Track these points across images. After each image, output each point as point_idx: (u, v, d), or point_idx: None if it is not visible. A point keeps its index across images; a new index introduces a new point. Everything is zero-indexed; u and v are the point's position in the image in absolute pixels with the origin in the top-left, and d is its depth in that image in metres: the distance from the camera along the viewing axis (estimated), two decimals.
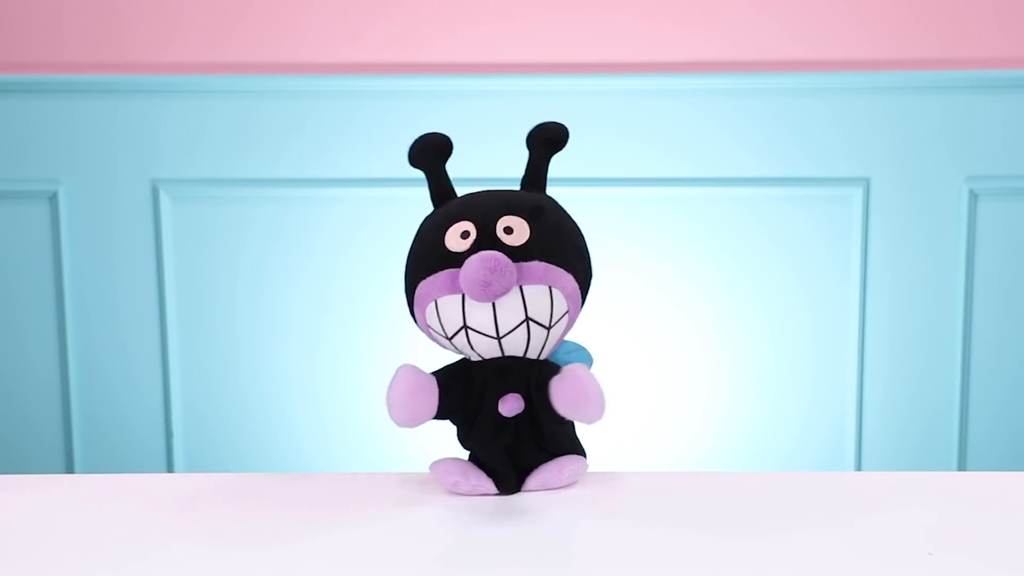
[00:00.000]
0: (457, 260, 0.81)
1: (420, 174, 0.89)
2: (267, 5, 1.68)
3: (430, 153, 0.87)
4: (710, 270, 1.69)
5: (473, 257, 0.79)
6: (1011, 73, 1.64)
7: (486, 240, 0.81)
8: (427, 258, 0.83)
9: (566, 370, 0.83)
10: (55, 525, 0.82)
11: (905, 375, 1.71)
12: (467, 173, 1.70)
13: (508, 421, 0.83)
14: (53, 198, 1.70)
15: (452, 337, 0.83)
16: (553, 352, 0.85)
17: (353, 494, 0.87)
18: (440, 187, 0.87)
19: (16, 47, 1.69)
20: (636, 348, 1.72)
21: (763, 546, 0.77)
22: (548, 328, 0.82)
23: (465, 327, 0.81)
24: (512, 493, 0.86)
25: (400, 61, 1.68)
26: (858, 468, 1.73)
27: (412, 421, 0.84)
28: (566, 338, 0.86)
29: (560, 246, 0.83)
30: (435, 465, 0.86)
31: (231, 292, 1.72)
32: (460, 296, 0.81)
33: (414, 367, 0.84)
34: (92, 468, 1.75)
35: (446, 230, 0.82)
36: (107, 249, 1.71)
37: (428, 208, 1.84)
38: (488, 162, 1.66)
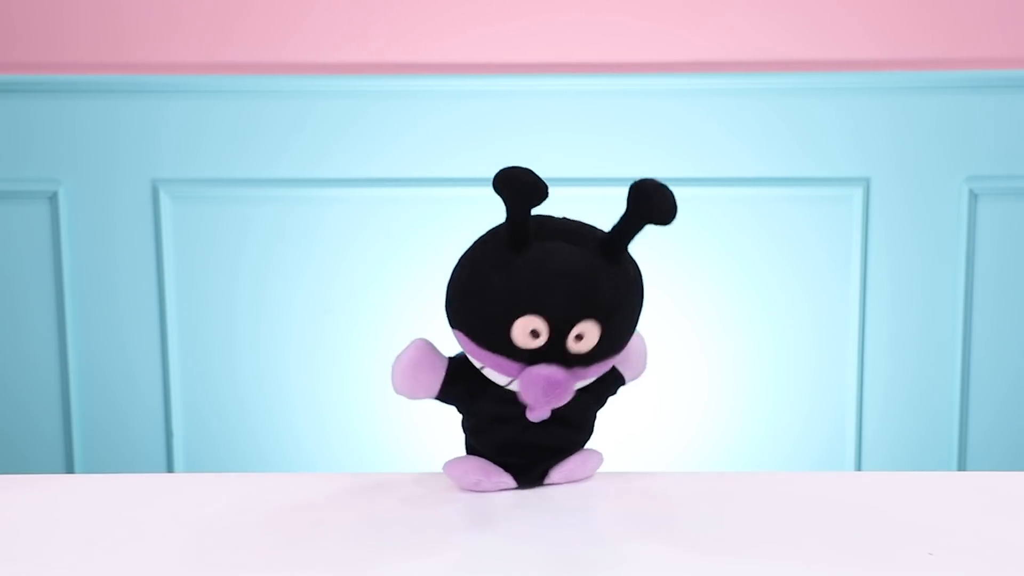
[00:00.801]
0: (520, 355, 0.79)
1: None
2: (267, 5, 1.68)
3: (528, 198, 0.77)
4: (710, 270, 1.70)
5: (537, 378, 0.78)
6: (1011, 73, 1.64)
7: (554, 349, 0.79)
8: (490, 333, 0.79)
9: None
10: (55, 525, 0.82)
11: (905, 375, 1.71)
12: (467, 173, 1.70)
13: (534, 425, 0.84)
14: (53, 198, 1.70)
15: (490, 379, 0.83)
16: None
17: (354, 494, 0.87)
18: (520, 231, 0.79)
19: (16, 47, 1.69)
20: None
21: (763, 546, 0.77)
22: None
23: (507, 386, 0.82)
24: (533, 485, 0.86)
25: (400, 61, 1.68)
26: (858, 468, 1.73)
27: (410, 392, 0.84)
28: None
29: (623, 341, 0.82)
30: (451, 465, 0.86)
31: (231, 292, 1.72)
32: (512, 380, 0.80)
33: (428, 343, 0.84)
34: (92, 468, 1.75)
35: (515, 319, 0.78)
36: (107, 249, 1.71)
37: (428, 209, 1.84)
38: (488, 162, 1.66)
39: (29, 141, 1.68)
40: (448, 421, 0.89)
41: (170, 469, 1.75)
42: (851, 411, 1.72)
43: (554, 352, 0.79)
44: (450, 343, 0.84)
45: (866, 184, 1.67)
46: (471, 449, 0.88)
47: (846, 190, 1.67)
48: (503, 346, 0.79)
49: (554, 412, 0.84)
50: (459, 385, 0.84)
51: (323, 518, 0.82)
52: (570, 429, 0.86)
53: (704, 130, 1.66)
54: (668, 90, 1.66)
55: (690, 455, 1.73)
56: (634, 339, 0.87)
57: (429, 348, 0.84)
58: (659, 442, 1.73)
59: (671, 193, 0.79)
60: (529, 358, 0.79)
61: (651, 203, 0.80)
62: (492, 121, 1.65)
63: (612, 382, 0.87)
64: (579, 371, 0.80)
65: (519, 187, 0.77)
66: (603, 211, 1.83)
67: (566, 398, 0.80)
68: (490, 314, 0.79)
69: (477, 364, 0.82)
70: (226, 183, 1.69)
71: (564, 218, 0.84)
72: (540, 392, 0.79)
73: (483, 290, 0.79)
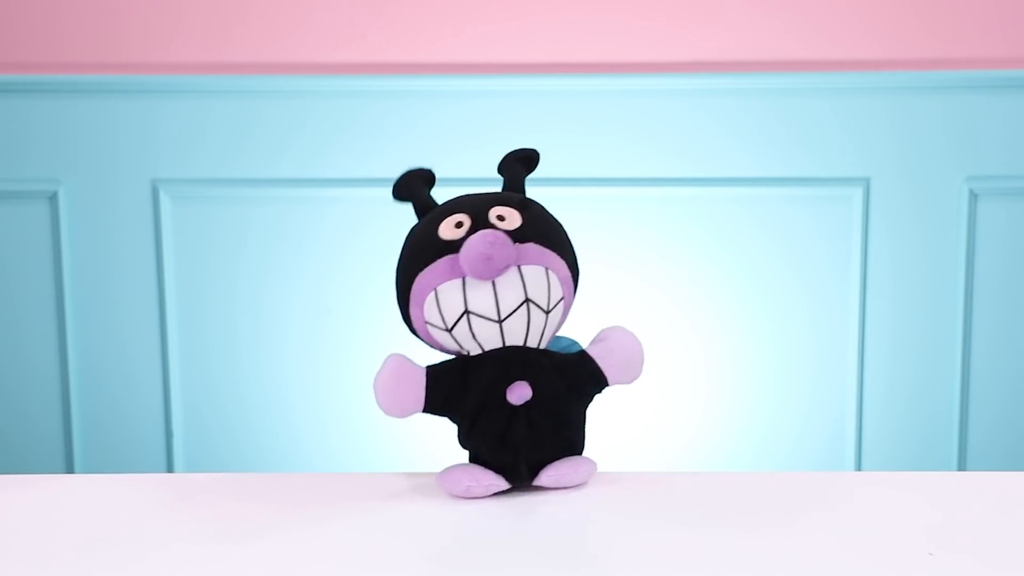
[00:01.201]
0: (454, 247, 0.82)
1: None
2: (267, 5, 1.68)
3: (418, 183, 0.88)
4: (710, 270, 1.69)
5: (473, 235, 0.81)
6: (1011, 73, 1.64)
7: (481, 225, 0.82)
8: (424, 252, 0.84)
9: (606, 333, 0.87)
10: (55, 525, 0.82)
11: (905, 375, 1.71)
12: (467, 173, 1.70)
13: (518, 410, 0.84)
14: (53, 198, 1.70)
15: (453, 327, 0.83)
16: (549, 345, 0.86)
17: (354, 494, 0.87)
18: (426, 206, 0.88)
19: (16, 47, 1.69)
20: None
21: (763, 546, 0.77)
22: (547, 313, 0.83)
23: (467, 312, 0.82)
24: (523, 483, 0.86)
25: (400, 61, 1.68)
26: (858, 468, 1.73)
27: (397, 410, 0.85)
28: (560, 333, 0.87)
29: (551, 233, 0.85)
30: (441, 476, 0.86)
31: (231, 292, 1.72)
32: (461, 280, 0.82)
33: (401, 356, 0.86)
34: (92, 468, 1.75)
35: (439, 223, 0.83)
36: (107, 249, 1.71)
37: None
38: (488, 162, 1.66)
39: (29, 141, 1.68)
40: (448, 421, 0.89)
41: (170, 469, 1.75)
42: (851, 411, 1.72)
43: (481, 227, 0.82)
44: (426, 356, 0.85)
45: (866, 184, 1.67)
46: (473, 459, 0.87)
47: (846, 190, 1.67)
48: (438, 249, 0.82)
49: (535, 402, 0.84)
50: (443, 385, 0.85)
51: (323, 518, 0.82)
52: (554, 422, 0.85)
53: (704, 130, 1.66)
54: (668, 90, 1.65)
55: (690, 455, 1.73)
56: (619, 340, 0.88)
57: (403, 360, 0.85)
58: (659, 442, 1.73)
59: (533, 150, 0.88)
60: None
61: (514, 152, 0.89)
62: (492, 121, 1.65)
63: (590, 377, 0.87)
64: (517, 246, 0.82)
65: (410, 177, 0.89)
66: (603, 211, 1.84)
67: (510, 250, 0.81)
68: (419, 240, 0.85)
69: (432, 308, 0.83)
70: (226, 183, 1.69)
71: None
72: (480, 242, 0.80)
73: (410, 238, 0.86)
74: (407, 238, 0.87)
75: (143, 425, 1.75)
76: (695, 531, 0.79)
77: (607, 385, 0.87)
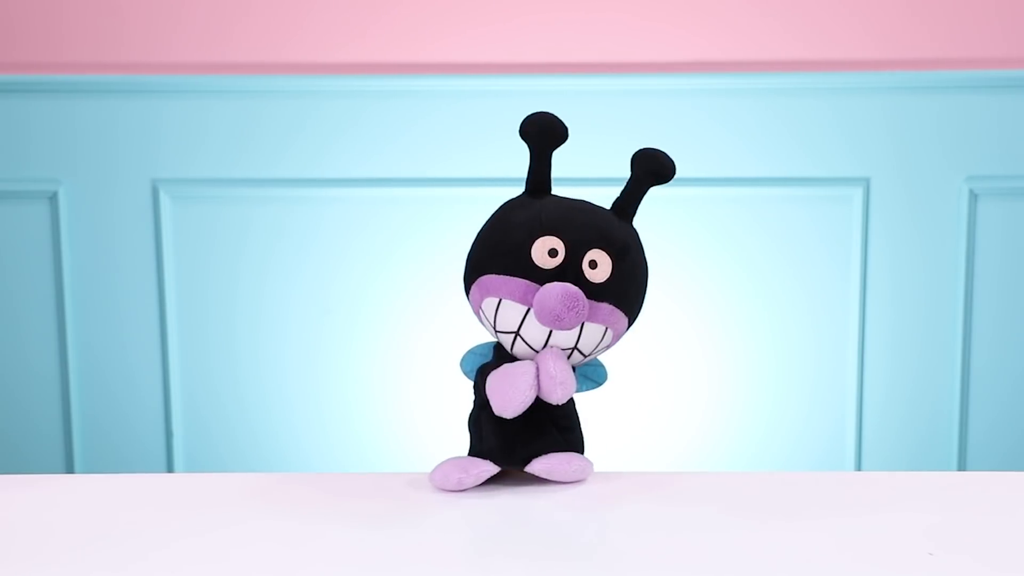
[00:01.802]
0: (537, 275, 0.83)
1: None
2: (267, 5, 1.68)
3: (547, 138, 0.87)
4: (710, 270, 1.69)
5: (556, 287, 0.82)
6: (1011, 73, 1.64)
7: (571, 269, 0.83)
8: (507, 256, 0.84)
9: (543, 353, 0.85)
10: (55, 525, 0.82)
11: (905, 375, 1.71)
12: (467, 173, 1.70)
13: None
14: (53, 198, 1.70)
15: (498, 333, 0.85)
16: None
17: (354, 494, 0.87)
18: (541, 174, 0.88)
19: (16, 47, 1.69)
20: (636, 348, 1.71)
21: (763, 546, 0.77)
22: (585, 356, 0.86)
23: (518, 333, 0.83)
24: (514, 467, 0.87)
25: (400, 61, 1.68)
26: (858, 468, 1.73)
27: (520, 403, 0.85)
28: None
29: (631, 292, 0.86)
30: (432, 474, 0.87)
31: (231, 292, 1.72)
32: (526, 308, 0.83)
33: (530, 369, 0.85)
34: (92, 468, 1.75)
35: (535, 239, 0.84)
36: (107, 249, 1.71)
37: (428, 209, 1.84)
38: (488, 162, 1.66)
39: (29, 141, 1.68)
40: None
41: (170, 469, 1.75)
42: (851, 411, 1.72)
43: (570, 274, 0.83)
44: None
45: (866, 184, 1.67)
46: (471, 448, 0.88)
47: (846, 190, 1.67)
48: (522, 267, 0.83)
49: (541, 416, 0.84)
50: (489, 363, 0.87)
51: (323, 518, 0.82)
52: (548, 417, 0.86)
53: (704, 130, 1.66)
54: (668, 90, 1.65)
55: (690, 455, 1.73)
56: (555, 354, 0.86)
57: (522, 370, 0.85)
58: (659, 442, 1.73)
59: (668, 155, 0.87)
60: (547, 280, 0.82)
61: (655, 159, 0.86)
62: (492, 121, 1.65)
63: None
64: (593, 304, 0.83)
65: (544, 126, 0.86)
66: None
67: (581, 316, 0.82)
68: (513, 239, 0.84)
69: (491, 307, 0.83)
70: (226, 183, 1.69)
71: None
72: (558, 300, 0.81)
73: (506, 224, 0.85)
74: (500, 216, 0.86)
75: (143, 425, 1.75)
76: (695, 531, 0.79)
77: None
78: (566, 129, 0.87)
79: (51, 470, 1.74)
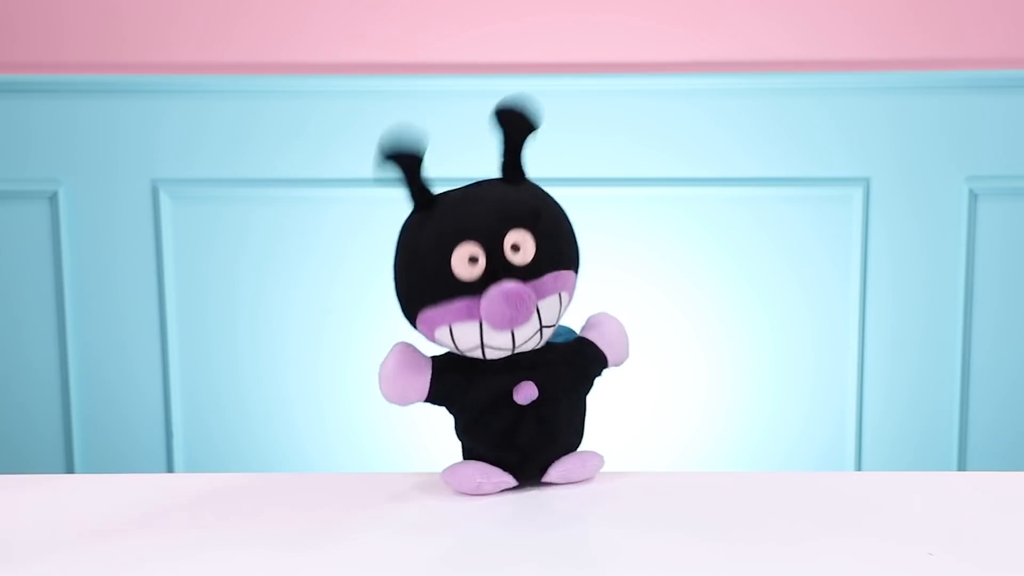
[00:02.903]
0: (470, 289, 0.80)
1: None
2: (267, 5, 1.68)
3: (407, 151, 0.87)
4: (710, 270, 1.69)
5: (494, 293, 0.79)
6: (1011, 73, 1.64)
7: (497, 265, 0.80)
8: (434, 284, 0.81)
9: (597, 318, 0.89)
10: (55, 525, 0.82)
11: (905, 375, 1.71)
12: (467, 173, 1.70)
13: (525, 410, 0.84)
14: (53, 198, 1.70)
15: (465, 351, 0.83)
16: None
17: (355, 494, 0.87)
18: (416, 186, 0.86)
19: (16, 47, 1.69)
20: (636, 348, 1.71)
21: (763, 546, 0.77)
22: (554, 325, 0.84)
23: (482, 344, 0.82)
24: (532, 481, 0.86)
25: (400, 61, 1.68)
26: (858, 468, 1.73)
27: (399, 399, 0.85)
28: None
29: (561, 247, 0.84)
30: (448, 473, 0.87)
31: (231, 292, 1.72)
32: (478, 323, 0.81)
33: (409, 345, 0.86)
34: (92, 468, 1.75)
35: (450, 254, 0.81)
36: (107, 249, 1.71)
37: None
38: (488, 162, 1.66)
39: (29, 141, 1.68)
40: (448, 421, 0.89)
41: (170, 469, 1.75)
42: (851, 411, 1.72)
43: (499, 270, 0.80)
44: (428, 347, 0.85)
45: (866, 184, 1.67)
46: (468, 453, 0.88)
47: (846, 190, 1.67)
48: (452, 288, 0.80)
49: (543, 400, 0.84)
50: (447, 380, 0.85)
51: (323, 518, 0.82)
52: (564, 417, 0.86)
53: (704, 130, 1.66)
54: (668, 90, 1.65)
55: (690, 455, 1.73)
56: (611, 322, 0.89)
57: (411, 350, 0.85)
58: (659, 442, 1.73)
59: (526, 103, 0.84)
60: (481, 288, 0.80)
61: (511, 111, 0.85)
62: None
63: (594, 360, 0.88)
64: (534, 284, 0.81)
65: (399, 141, 0.87)
66: (603, 211, 1.84)
67: (531, 305, 0.80)
68: (428, 266, 0.81)
69: (445, 335, 0.82)
70: (226, 183, 1.69)
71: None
72: (503, 305, 0.79)
73: (416, 252, 0.82)
74: (408, 245, 0.84)
75: (143, 425, 1.75)
76: (695, 531, 0.79)
77: (607, 367, 0.89)
78: (421, 147, 0.86)
79: (51, 470, 1.74)
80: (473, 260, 0.80)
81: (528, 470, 0.86)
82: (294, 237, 1.70)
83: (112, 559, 0.76)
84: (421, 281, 0.82)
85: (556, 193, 0.89)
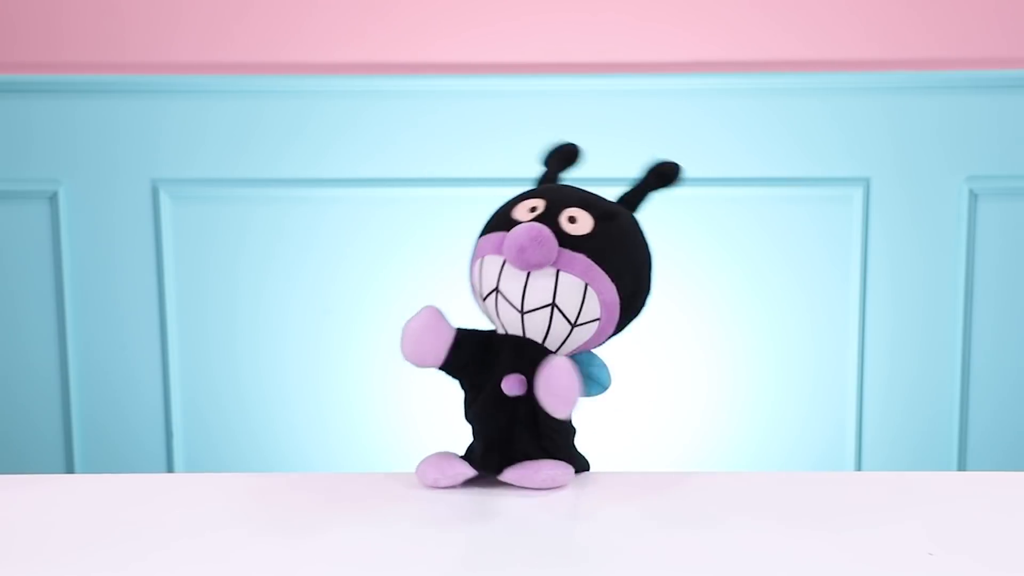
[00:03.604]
0: (511, 226, 0.82)
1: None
2: (267, 5, 1.68)
3: (559, 161, 0.91)
4: (710, 270, 1.69)
5: (520, 226, 0.81)
6: (1011, 73, 1.64)
7: (548, 219, 0.83)
8: (493, 219, 0.85)
9: (549, 359, 0.83)
10: (55, 525, 0.82)
11: (905, 375, 1.71)
12: (467, 173, 1.70)
13: (507, 400, 0.84)
14: (53, 198, 1.70)
15: (485, 298, 0.84)
16: (578, 358, 0.85)
17: (354, 494, 0.87)
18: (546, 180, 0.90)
19: (16, 47, 1.69)
20: (636, 348, 1.71)
21: (763, 546, 0.77)
22: (572, 325, 0.83)
23: (497, 290, 0.83)
24: (490, 473, 0.86)
25: (400, 61, 1.68)
26: (858, 468, 1.73)
27: (418, 358, 0.85)
28: (595, 351, 0.86)
29: (614, 255, 0.84)
30: (416, 470, 0.88)
31: (231, 292, 1.72)
32: (502, 259, 0.82)
33: (436, 309, 0.86)
34: (92, 468, 1.75)
35: (520, 200, 0.85)
36: (107, 249, 1.71)
37: (428, 209, 1.84)
38: (488, 162, 1.66)
39: (29, 141, 1.68)
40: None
41: (170, 469, 1.75)
42: (851, 411, 1.72)
43: (546, 222, 0.82)
44: (459, 317, 0.85)
45: (866, 184, 1.67)
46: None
47: (846, 190, 1.67)
48: (502, 224, 0.83)
49: (527, 398, 0.83)
50: (466, 353, 0.85)
51: (323, 518, 0.82)
52: (538, 422, 0.85)
53: (704, 130, 1.66)
54: (668, 90, 1.65)
55: (690, 455, 1.73)
56: (562, 366, 0.83)
57: (438, 314, 0.85)
58: (659, 442, 1.73)
59: (677, 163, 0.91)
60: None
61: (662, 162, 0.91)
62: (492, 121, 1.65)
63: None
64: (567, 253, 0.81)
65: (562, 154, 0.91)
66: None
67: (547, 252, 0.80)
68: (502, 208, 0.85)
69: (477, 270, 0.84)
70: (226, 183, 1.69)
71: None
72: (523, 233, 0.80)
73: (504, 203, 0.86)
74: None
75: (143, 425, 1.75)
76: (695, 531, 0.79)
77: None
78: (575, 153, 0.92)
79: (51, 470, 1.74)
80: (533, 210, 0.83)
81: (488, 461, 0.86)
82: (294, 237, 1.70)
83: (112, 559, 0.76)
84: (489, 219, 0.86)
85: None
